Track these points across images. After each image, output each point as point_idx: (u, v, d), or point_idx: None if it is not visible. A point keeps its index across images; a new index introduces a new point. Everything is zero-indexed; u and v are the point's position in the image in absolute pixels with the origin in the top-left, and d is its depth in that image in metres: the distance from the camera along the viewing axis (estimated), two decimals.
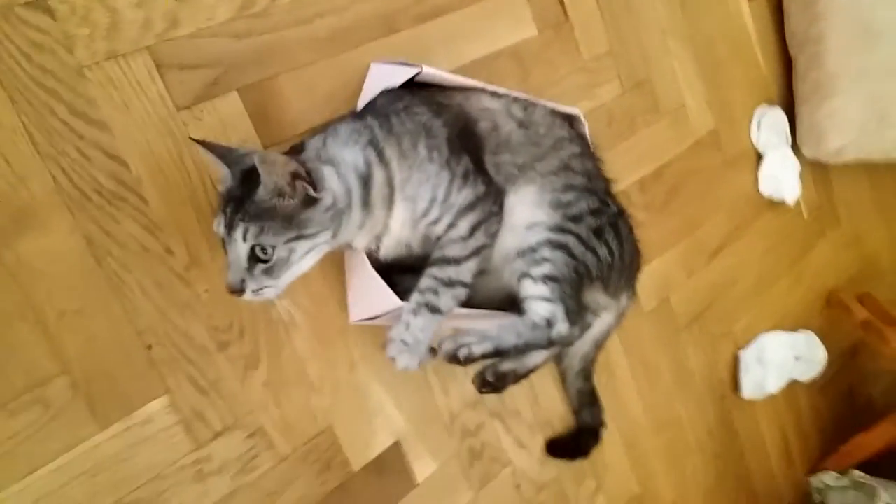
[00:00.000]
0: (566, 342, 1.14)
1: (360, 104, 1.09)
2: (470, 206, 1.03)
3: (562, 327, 1.09)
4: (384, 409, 1.22)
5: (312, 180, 0.91)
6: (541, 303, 1.09)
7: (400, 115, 1.03)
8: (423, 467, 1.27)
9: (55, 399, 0.95)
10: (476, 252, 1.03)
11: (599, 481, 1.52)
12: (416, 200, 1.02)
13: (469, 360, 1.07)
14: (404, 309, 1.01)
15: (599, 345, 1.38)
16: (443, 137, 1.04)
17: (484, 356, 1.08)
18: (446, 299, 1.01)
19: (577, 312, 1.11)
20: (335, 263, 1.14)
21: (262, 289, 0.92)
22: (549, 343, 1.11)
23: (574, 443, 1.43)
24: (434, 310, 1.00)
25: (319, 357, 1.15)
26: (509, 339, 1.08)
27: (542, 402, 1.43)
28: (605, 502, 1.54)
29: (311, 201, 0.91)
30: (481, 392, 1.24)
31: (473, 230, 1.03)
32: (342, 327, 1.17)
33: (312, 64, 1.15)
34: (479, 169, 1.06)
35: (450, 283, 1.01)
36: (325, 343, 1.15)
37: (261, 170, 0.86)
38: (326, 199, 0.93)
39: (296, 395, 1.13)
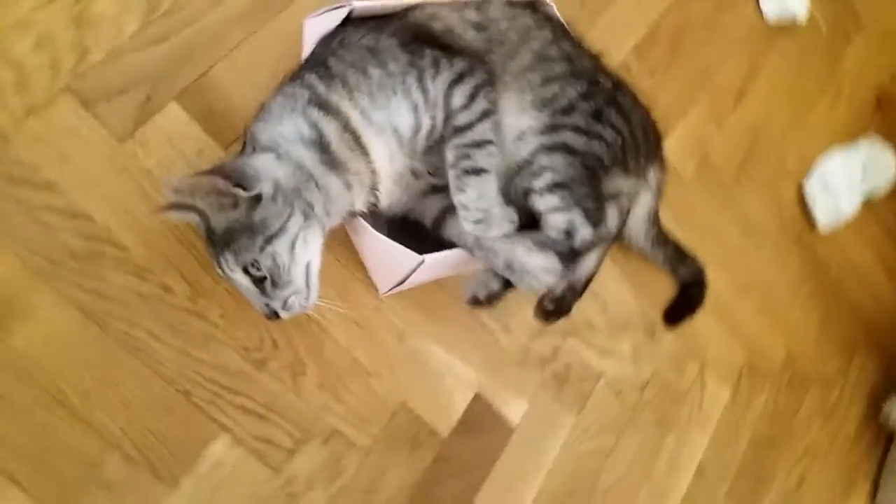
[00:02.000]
0: (594, 246, 1.00)
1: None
2: (457, 80, 0.89)
3: (584, 233, 0.95)
4: (451, 368, 1.11)
5: (240, 182, 0.78)
6: (554, 215, 0.95)
7: (336, 52, 0.89)
8: (513, 410, 1.16)
9: (115, 478, 0.87)
10: (485, 114, 0.90)
11: (702, 361, 1.39)
12: (396, 122, 0.88)
13: (491, 297, 0.96)
14: (453, 195, 0.91)
15: (653, 219, 1.22)
16: (393, 46, 0.90)
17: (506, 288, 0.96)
18: (482, 157, 0.89)
19: (599, 210, 0.96)
20: (345, 245, 1.02)
21: (286, 301, 0.83)
22: (576, 253, 0.96)
23: (685, 300, 1.31)
24: (476, 171, 0.89)
25: (364, 340, 1.04)
26: None
27: (611, 306, 1.30)
28: (716, 379, 1.39)
29: (254, 201, 0.79)
30: (548, 322, 1.10)
31: (472, 97, 0.90)
32: (375, 305, 1.05)
33: (242, 43, 1.02)
34: (445, 47, 0.91)
35: (476, 144, 0.89)
36: (364, 326, 1.04)
37: (182, 201, 0.76)
38: (266, 190, 0.80)
39: (355, 386, 1.03)
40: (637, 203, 1.16)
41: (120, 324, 0.88)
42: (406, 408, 1.06)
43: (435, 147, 0.92)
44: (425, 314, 1.08)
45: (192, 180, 0.76)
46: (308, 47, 0.97)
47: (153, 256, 0.91)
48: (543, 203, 0.95)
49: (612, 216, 1.10)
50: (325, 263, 0.88)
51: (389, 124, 0.87)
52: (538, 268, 0.92)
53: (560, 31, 1.07)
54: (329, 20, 0.95)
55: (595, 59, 1.08)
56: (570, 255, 0.95)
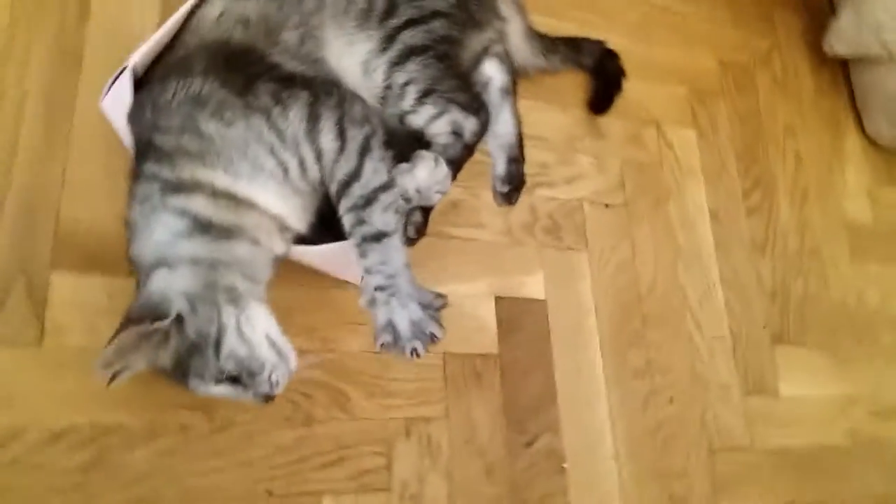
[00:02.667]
0: (485, 130, 0.96)
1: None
2: (313, 117, 0.80)
3: (470, 125, 0.92)
4: (460, 295, 1.09)
5: (155, 316, 0.71)
6: (435, 123, 0.91)
7: (157, 125, 0.79)
8: (534, 287, 1.16)
9: None
10: (364, 149, 0.81)
11: (654, 122, 1.37)
12: (262, 167, 0.79)
13: (419, 229, 0.92)
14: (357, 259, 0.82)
15: (531, 35, 1.17)
16: (216, 89, 0.79)
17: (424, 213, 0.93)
18: (378, 216, 0.80)
19: (474, 98, 0.91)
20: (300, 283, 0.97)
21: (271, 381, 0.78)
22: (471, 148, 0.93)
23: (605, 81, 1.28)
24: (376, 237, 0.80)
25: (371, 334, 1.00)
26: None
27: (550, 137, 1.28)
28: (675, 128, 1.39)
29: (178, 323, 0.73)
30: (512, 203, 1.10)
31: (341, 132, 0.81)
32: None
33: (65, 169, 0.92)
34: (280, 77, 0.82)
35: (367, 201, 0.80)
36: (364, 321, 1.00)
37: (119, 368, 0.71)
38: (181, 307, 0.74)
39: (395, 372, 1.02)
40: (508, 37, 1.09)
41: (170, 488, 0.86)
42: (449, 355, 1.05)
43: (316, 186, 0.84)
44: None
45: (114, 347, 0.69)
46: (124, 132, 0.87)
47: (149, 412, 0.87)
48: (420, 118, 0.91)
49: (494, 69, 1.05)
50: (288, 301, 0.84)
51: (257, 171, 0.79)
52: (435, 181, 0.87)
53: None
54: (121, 92, 0.84)
55: None
56: (464, 154, 0.91)
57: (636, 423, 1.13)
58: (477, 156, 1.03)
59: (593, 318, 1.17)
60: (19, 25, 0.98)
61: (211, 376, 0.75)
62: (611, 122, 1.31)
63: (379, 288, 0.80)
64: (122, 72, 0.82)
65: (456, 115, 0.92)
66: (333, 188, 0.82)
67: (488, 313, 1.10)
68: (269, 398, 0.79)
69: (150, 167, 0.78)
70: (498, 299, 1.11)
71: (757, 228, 1.38)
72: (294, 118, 0.79)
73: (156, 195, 0.76)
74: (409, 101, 0.90)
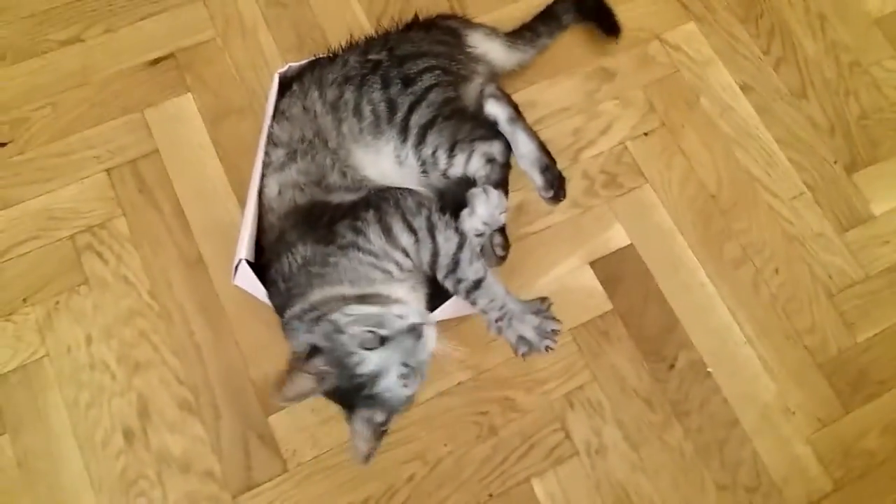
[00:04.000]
0: (510, 146, 1.16)
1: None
2: (385, 230, 0.97)
3: (496, 148, 1.08)
4: (561, 275, 1.26)
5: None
6: (470, 164, 1.09)
7: (291, 292, 1.00)
8: (618, 238, 1.29)
9: None
10: (431, 229, 0.98)
11: (656, 35, 1.44)
12: (373, 281, 0.98)
13: (504, 248, 1.13)
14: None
15: (509, 40, 1.29)
16: (312, 246, 0.99)
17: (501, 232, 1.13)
18: (468, 269, 0.98)
19: (487, 126, 1.06)
20: None
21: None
22: (507, 165, 1.12)
23: (596, 14, 1.37)
24: (475, 285, 0.97)
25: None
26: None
27: (566, 103, 1.37)
28: (681, 37, 1.44)
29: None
30: (559, 200, 1.25)
31: (409, 227, 0.98)
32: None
33: (237, 339, 1.16)
34: (347, 211, 1.01)
35: (454, 265, 0.98)
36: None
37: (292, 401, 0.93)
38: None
39: (529, 368, 1.20)
40: (494, 62, 1.22)
41: None
42: (575, 329, 1.22)
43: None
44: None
45: (291, 388, 0.90)
46: (260, 295, 1.09)
47: (381, 479, 1.13)
48: (458, 168, 1.09)
49: (494, 108, 1.22)
50: None
51: (371, 282, 0.97)
52: (493, 207, 1.04)
53: (312, 74, 1.13)
54: (245, 275, 1.06)
55: (354, 52, 1.13)
56: (504, 172, 1.09)
57: (754, 305, 1.25)
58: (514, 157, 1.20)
59: (679, 236, 1.29)
60: (149, 263, 1.24)
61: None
62: (616, 59, 1.40)
63: (498, 319, 0.98)
64: (239, 262, 1.03)
65: (483, 148, 1.08)
66: (427, 268, 0.99)
67: (590, 279, 1.25)
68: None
69: (297, 325, 1.00)
70: (593, 264, 1.26)
71: (790, 76, 1.41)
72: (374, 237, 0.97)
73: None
74: (442, 161, 1.08)
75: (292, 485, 1.13)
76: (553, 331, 0.99)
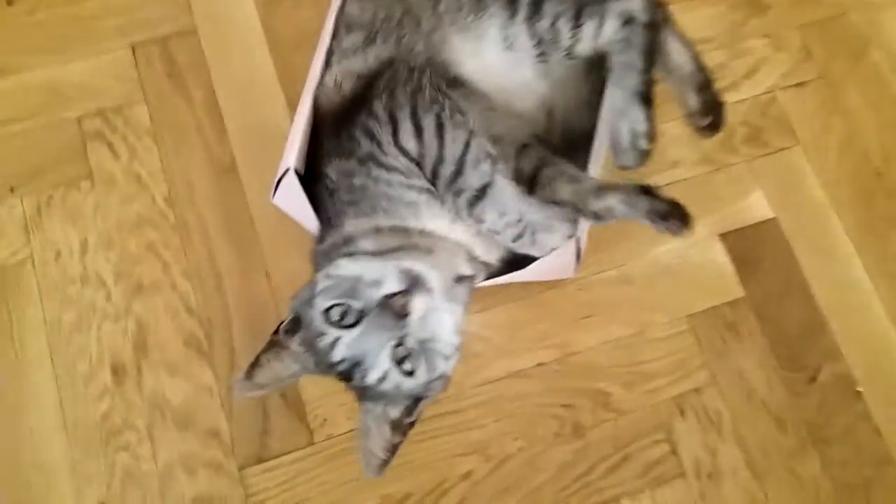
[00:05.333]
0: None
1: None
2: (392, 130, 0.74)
3: (638, 4, 0.78)
4: (684, 249, 0.98)
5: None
6: (601, 34, 0.78)
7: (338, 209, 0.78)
8: (758, 208, 1.01)
9: None
10: (440, 127, 0.74)
11: None
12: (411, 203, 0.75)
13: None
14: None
15: None
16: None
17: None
18: (473, 176, 0.73)
19: None
20: None
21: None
22: (654, 25, 0.79)
23: None
24: (479, 194, 0.73)
25: (604, 323, 0.93)
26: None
27: (710, 33, 1.08)
28: None
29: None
30: (717, 131, 0.90)
31: (418, 130, 0.74)
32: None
33: (268, 268, 0.90)
34: None
35: (458, 171, 0.73)
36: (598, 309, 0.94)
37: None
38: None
39: (646, 354, 0.94)
40: None
41: None
42: (694, 316, 0.96)
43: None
44: (608, 253, 0.97)
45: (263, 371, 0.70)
46: (303, 219, 0.83)
47: (429, 472, 0.87)
48: (587, 41, 0.80)
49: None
50: (511, 320, 0.87)
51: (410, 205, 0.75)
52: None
53: None
54: (290, 189, 0.80)
55: None
56: (650, 36, 0.79)
57: None
58: None
59: (834, 215, 1.01)
60: (170, 163, 1.00)
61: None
62: None
63: (518, 238, 0.75)
64: (285, 172, 0.77)
65: (618, 6, 0.78)
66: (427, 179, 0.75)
67: (719, 255, 0.99)
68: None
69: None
70: (724, 236, 0.99)
71: None
72: (386, 142, 0.74)
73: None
74: (565, 35, 0.79)
75: (316, 462, 0.89)
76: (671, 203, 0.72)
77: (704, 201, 0.99)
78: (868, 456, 0.91)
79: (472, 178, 0.73)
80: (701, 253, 0.98)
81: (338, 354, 0.67)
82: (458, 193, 0.73)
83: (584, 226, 0.80)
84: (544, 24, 0.79)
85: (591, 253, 0.88)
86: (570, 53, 0.81)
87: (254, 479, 0.88)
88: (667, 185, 0.99)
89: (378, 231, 0.75)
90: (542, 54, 0.81)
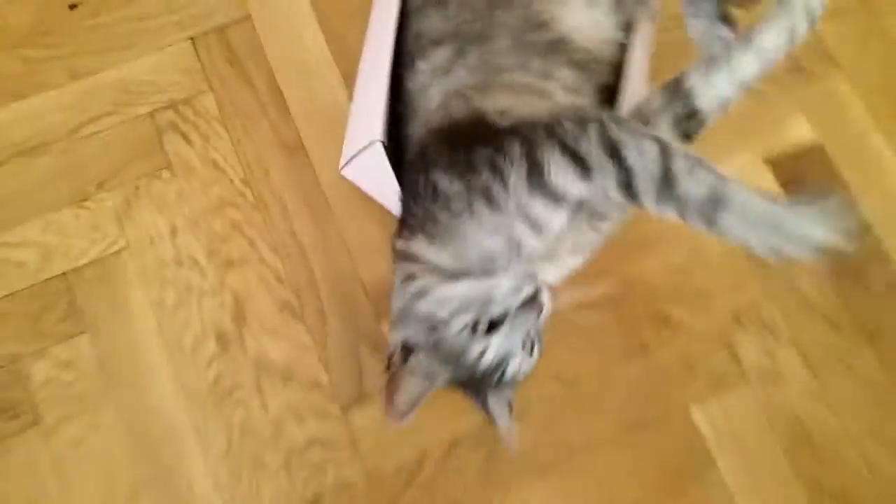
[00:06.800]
0: None
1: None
2: (530, 172, 0.73)
3: None
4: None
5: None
6: None
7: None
8: (802, 136, 1.15)
9: None
10: (608, 144, 0.70)
11: None
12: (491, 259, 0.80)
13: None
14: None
15: None
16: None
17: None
18: (687, 182, 0.69)
19: None
20: None
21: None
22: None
23: None
24: (713, 203, 0.69)
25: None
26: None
27: None
28: None
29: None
30: None
31: (574, 158, 0.71)
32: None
33: (346, 237, 1.07)
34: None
35: (668, 176, 0.69)
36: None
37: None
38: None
39: (703, 282, 1.07)
40: None
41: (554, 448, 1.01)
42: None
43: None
44: None
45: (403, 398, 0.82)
46: (378, 193, 0.98)
47: None
48: None
49: None
50: None
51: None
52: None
53: None
54: (370, 164, 0.93)
55: None
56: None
57: None
58: (671, 33, 1.02)
59: (875, 133, 1.14)
60: (242, 146, 1.15)
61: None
62: None
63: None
64: (366, 146, 0.91)
65: None
66: (621, 202, 0.72)
67: (768, 180, 1.11)
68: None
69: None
70: (772, 162, 1.12)
71: None
72: (514, 185, 0.73)
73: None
74: None
75: None
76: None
77: (751, 128, 1.11)
78: None
79: (693, 184, 0.67)
80: (750, 179, 1.10)
81: (488, 359, 0.78)
82: (683, 206, 0.68)
83: None
84: None
85: None
86: None
87: (356, 417, 1.05)
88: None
89: (437, 269, 0.81)
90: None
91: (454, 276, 0.79)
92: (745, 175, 1.11)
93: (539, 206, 0.73)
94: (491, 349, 0.79)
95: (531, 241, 0.76)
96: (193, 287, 1.10)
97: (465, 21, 0.93)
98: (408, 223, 0.88)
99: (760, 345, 1.05)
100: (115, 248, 1.12)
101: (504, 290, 0.78)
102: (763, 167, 1.12)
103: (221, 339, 1.08)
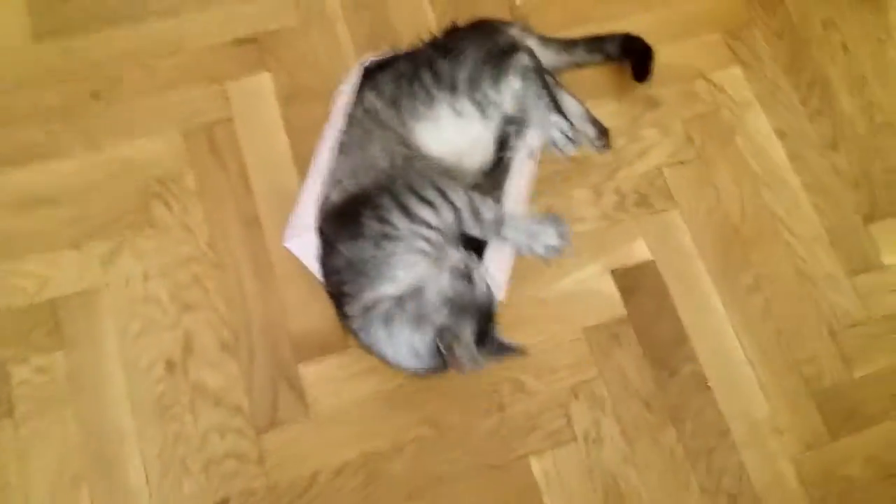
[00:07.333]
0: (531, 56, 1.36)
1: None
2: (403, 211, 1.18)
3: (524, 59, 1.35)
4: (582, 280, 1.46)
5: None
6: (513, 85, 1.36)
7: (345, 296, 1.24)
8: (638, 252, 1.51)
9: None
10: (442, 192, 1.19)
11: (699, 72, 1.67)
12: (412, 267, 1.18)
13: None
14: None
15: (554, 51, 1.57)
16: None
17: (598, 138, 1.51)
18: (486, 212, 1.20)
19: (505, 48, 1.36)
20: None
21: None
22: (541, 70, 1.35)
23: (637, 54, 1.57)
24: (499, 221, 1.22)
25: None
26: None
27: (613, 122, 1.58)
28: (719, 70, 1.67)
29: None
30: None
31: (426, 202, 1.19)
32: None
33: (284, 295, 1.42)
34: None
35: (475, 211, 1.21)
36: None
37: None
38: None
39: (554, 362, 1.41)
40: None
41: (424, 479, 1.33)
42: (588, 329, 1.43)
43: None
44: (521, 279, 1.45)
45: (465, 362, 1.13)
46: (312, 265, 1.31)
47: (392, 433, 1.34)
48: (505, 94, 1.36)
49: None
50: None
51: (410, 268, 1.18)
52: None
53: (367, 81, 1.41)
54: (304, 247, 1.30)
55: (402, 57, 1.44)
56: (542, 78, 1.37)
57: (760, 332, 1.44)
58: (556, 166, 1.45)
59: (698, 259, 1.48)
60: (211, 216, 1.48)
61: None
62: (662, 90, 1.61)
63: (526, 241, 1.21)
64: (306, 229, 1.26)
65: (513, 63, 1.38)
66: (455, 228, 1.19)
67: (609, 286, 1.45)
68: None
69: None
70: (613, 272, 1.47)
71: (824, 127, 1.62)
72: (397, 221, 1.16)
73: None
74: (493, 96, 1.37)
75: (312, 428, 1.33)
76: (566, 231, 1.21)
77: (601, 246, 1.46)
78: (712, 430, 1.35)
79: (488, 213, 1.16)
80: (595, 283, 1.43)
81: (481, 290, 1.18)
82: (484, 226, 1.16)
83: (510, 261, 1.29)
84: (478, 94, 1.29)
85: (517, 279, 1.39)
86: (503, 113, 1.33)
87: (267, 439, 1.32)
88: (574, 233, 1.50)
89: (392, 298, 1.16)
90: (483, 116, 1.32)
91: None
92: (593, 279, 1.46)
93: (418, 228, 1.15)
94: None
95: (427, 248, 1.15)
96: (155, 322, 1.39)
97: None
98: (345, 290, 1.22)
99: (590, 414, 1.37)
100: (98, 284, 1.41)
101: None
102: (607, 275, 1.47)
103: (170, 364, 1.37)
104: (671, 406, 1.38)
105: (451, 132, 1.30)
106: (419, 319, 1.12)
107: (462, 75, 1.29)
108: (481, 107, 1.30)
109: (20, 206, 1.46)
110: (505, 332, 1.25)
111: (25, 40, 1.55)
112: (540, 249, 1.19)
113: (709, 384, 1.40)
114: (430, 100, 1.29)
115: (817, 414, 1.39)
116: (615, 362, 1.40)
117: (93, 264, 1.43)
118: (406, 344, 1.15)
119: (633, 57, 1.57)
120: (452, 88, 1.29)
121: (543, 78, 1.34)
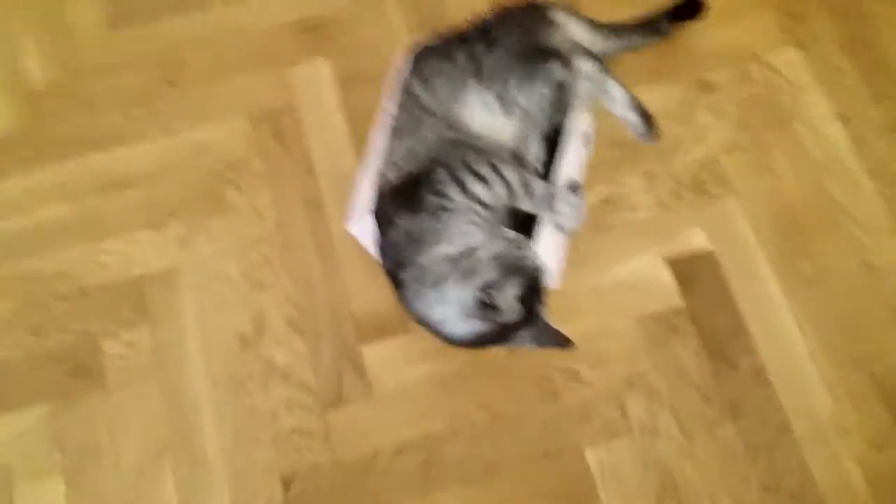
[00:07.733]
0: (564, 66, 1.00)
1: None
2: (459, 186, 0.90)
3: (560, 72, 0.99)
4: (636, 269, 1.10)
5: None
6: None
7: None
8: (697, 240, 1.11)
9: None
10: (495, 169, 0.92)
11: (753, 55, 1.21)
12: (470, 234, 0.91)
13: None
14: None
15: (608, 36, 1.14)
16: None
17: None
18: (537, 188, 0.93)
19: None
20: None
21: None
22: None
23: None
24: (550, 196, 0.94)
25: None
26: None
27: (663, 111, 1.18)
28: (775, 54, 1.22)
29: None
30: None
31: (480, 177, 0.91)
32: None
33: (369, 274, 1.06)
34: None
35: (527, 186, 0.93)
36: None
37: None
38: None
39: (609, 352, 1.04)
40: (572, 30, 1.07)
41: (482, 464, 0.98)
42: (644, 317, 1.06)
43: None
44: (575, 267, 1.07)
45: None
46: (371, 247, 0.98)
47: (450, 416, 0.99)
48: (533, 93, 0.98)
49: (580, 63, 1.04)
50: None
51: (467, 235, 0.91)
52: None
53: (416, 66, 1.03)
54: (364, 229, 0.96)
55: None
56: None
57: (823, 324, 1.07)
58: (608, 151, 1.09)
59: (758, 248, 1.11)
60: (278, 200, 1.16)
61: None
62: (716, 74, 1.21)
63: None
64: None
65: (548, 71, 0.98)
66: (507, 202, 0.93)
67: (665, 275, 1.10)
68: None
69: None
70: (671, 261, 1.10)
71: (891, 111, 1.18)
72: (454, 195, 0.90)
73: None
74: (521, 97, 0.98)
75: (374, 406, 1.04)
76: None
77: (657, 234, 1.11)
78: (772, 426, 1.01)
79: (539, 188, 0.92)
80: (653, 273, 1.08)
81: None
82: (534, 202, 0.92)
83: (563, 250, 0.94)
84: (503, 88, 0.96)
85: (571, 268, 1.03)
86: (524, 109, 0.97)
87: (332, 416, 1.03)
88: (630, 221, 1.12)
89: (447, 258, 0.89)
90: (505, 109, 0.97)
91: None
92: (649, 268, 1.09)
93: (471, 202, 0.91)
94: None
95: (478, 220, 0.91)
96: (228, 299, 1.12)
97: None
98: (402, 259, 0.92)
99: (645, 405, 1.02)
100: (176, 263, 1.14)
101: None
102: (663, 264, 1.08)
103: (243, 340, 1.09)
104: (730, 399, 1.02)
105: (485, 117, 0.98)
106: (468, 274, 0.87)
107: (491, 65, 0.97)
108: (504, 102, 0.97)
109: (103, 188, 1.18)
110: (560, 320, 0.94)
111: (101, 28, 1.23)
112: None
113: (769, 378, 0.99)
114: (462, 84, 0.98)
115: (885, 412, 0.99)
116: (672, 353, 1.03)
117: (171, 244, 1.15)
118: (455, 301, 0.88)
119: (685, 13, 1.18)
120: (478, 75, 0.97)
121: (574, 90, 1.01)
